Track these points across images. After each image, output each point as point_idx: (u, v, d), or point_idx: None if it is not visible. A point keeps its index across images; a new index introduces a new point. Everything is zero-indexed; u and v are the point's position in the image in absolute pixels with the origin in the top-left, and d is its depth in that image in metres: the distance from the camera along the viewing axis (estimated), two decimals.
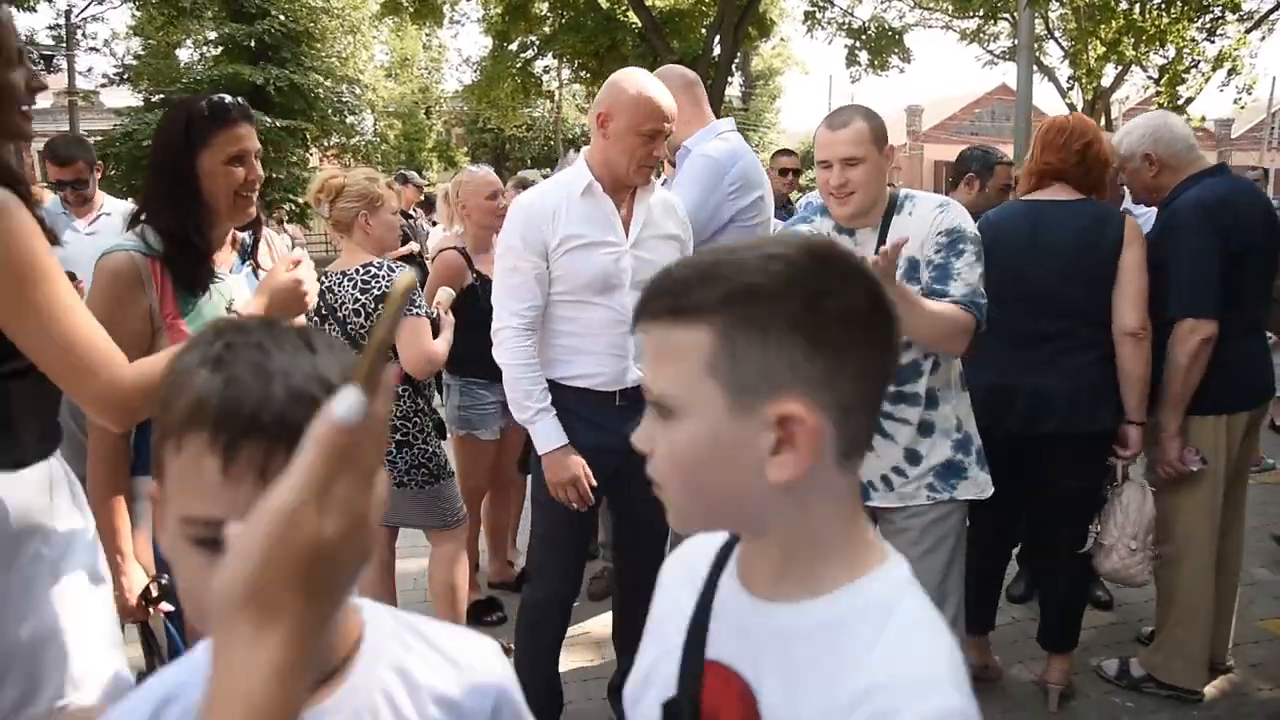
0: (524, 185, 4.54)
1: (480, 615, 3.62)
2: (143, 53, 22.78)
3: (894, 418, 2.32)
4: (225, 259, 2.07)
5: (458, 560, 3.11)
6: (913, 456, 2.32)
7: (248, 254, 2.15)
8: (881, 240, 2.28)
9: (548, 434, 2.39)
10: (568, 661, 3.26)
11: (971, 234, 2.25)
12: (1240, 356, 2.76)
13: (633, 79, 2.38)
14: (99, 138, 17.05)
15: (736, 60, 19.01)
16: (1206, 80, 14.40)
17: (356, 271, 2.82)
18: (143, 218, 1.96)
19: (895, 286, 2.05)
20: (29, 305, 1.43)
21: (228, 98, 1.98)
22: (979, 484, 2.37)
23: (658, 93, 2.35)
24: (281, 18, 19.81)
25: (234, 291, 2.05)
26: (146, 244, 1.91)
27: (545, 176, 5.11)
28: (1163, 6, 12.46)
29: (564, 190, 2.40)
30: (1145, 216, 3.21)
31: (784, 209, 5.17)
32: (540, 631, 2.59)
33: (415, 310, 2.79)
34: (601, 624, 3.49)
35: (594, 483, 2.40)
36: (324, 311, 2.84)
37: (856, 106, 2.33)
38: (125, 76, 22.31)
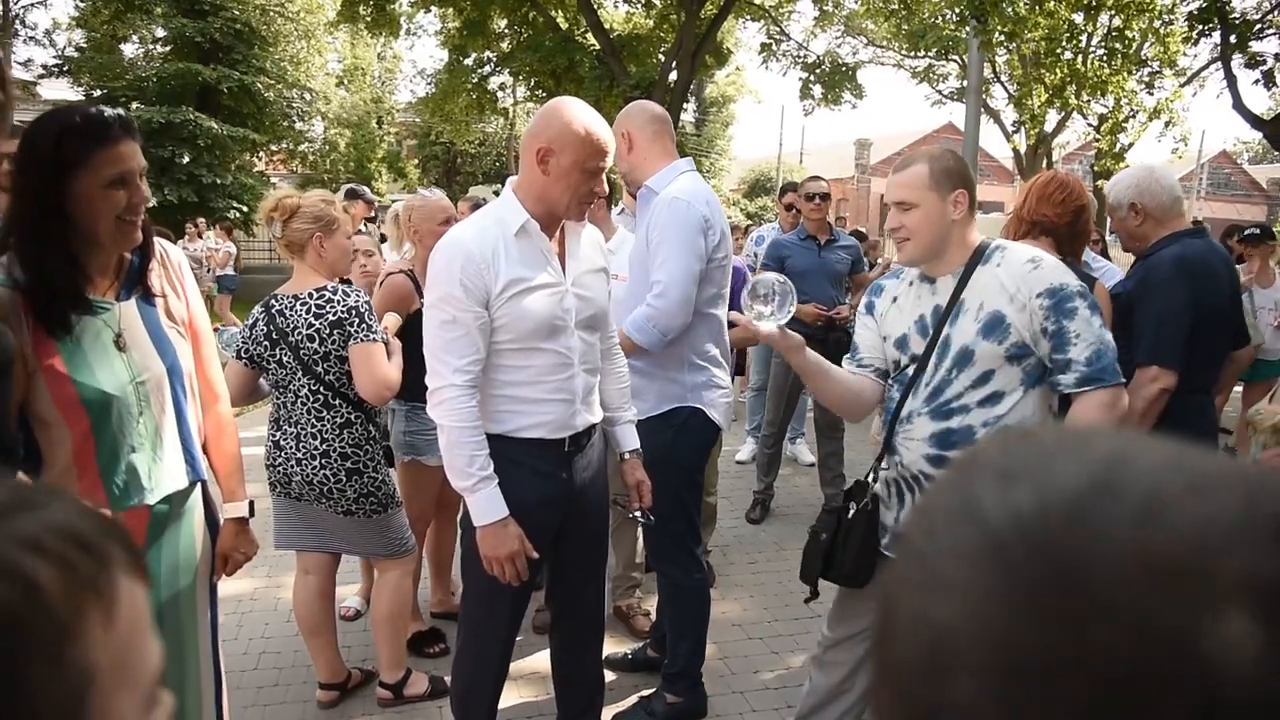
0: (478, 207, 4.36)
1: (423, 647, 3.54)
2: (85, 45, 22.13)
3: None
4: (109, 286, 1.89)
5: (402, 589, 3.05)
6: None
7: (135, 279, 1.95)
8: (960, 289, 2.18)
9: (489, 505, 2.21)
10: (512, 698, 3.19)
11: (1076, 288, 2.09)
12: (1188, 413, 2.81)
13: (576, 114, 2.23)
14: None
15: (691, 87, 19.20)
16: (1144, 129, 14.92)
17: (310, 295, 2.75)
18: (10, 245, 1.76)
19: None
20: None
21: (108, 110, 1.77)
22: None
23: (602, 128, 2.24)
24: (235, 11, 19.37)
25: (123, 322, 1.88)
26: (12, 277, 1.74)
27: (497, 194, 5.01)
28: (1104, 58, 12.88)
29: (499, 229, 2.22)
30: (1104, 271, 3.28)
31: (813, 239, 5.10)
32: (480, 682, 2.49)
33: (370, 336, 2.72)
34: (544, 658, 3.42)
35: (534, 554, 2.27)
36: (275, 336, 2.76)
37: (928, 149, 2.24)
38: (65, 69, 21.63)
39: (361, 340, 2.70)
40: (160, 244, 2.04)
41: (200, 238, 13.95)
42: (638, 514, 2.62)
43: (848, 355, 2.46)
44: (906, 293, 2.34)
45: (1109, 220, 3.08)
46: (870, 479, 2.35)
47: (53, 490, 0.52)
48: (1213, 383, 2.96)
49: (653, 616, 3.72)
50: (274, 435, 2.86)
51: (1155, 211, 2.91)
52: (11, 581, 0.44)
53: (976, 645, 0.31)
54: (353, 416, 2.79)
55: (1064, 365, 2.09)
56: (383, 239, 7.12)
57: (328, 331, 2.70)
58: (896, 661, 0.34)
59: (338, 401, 2.77)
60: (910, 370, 2.25)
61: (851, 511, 2.30)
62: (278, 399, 2.86)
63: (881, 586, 0.39)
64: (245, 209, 18.96)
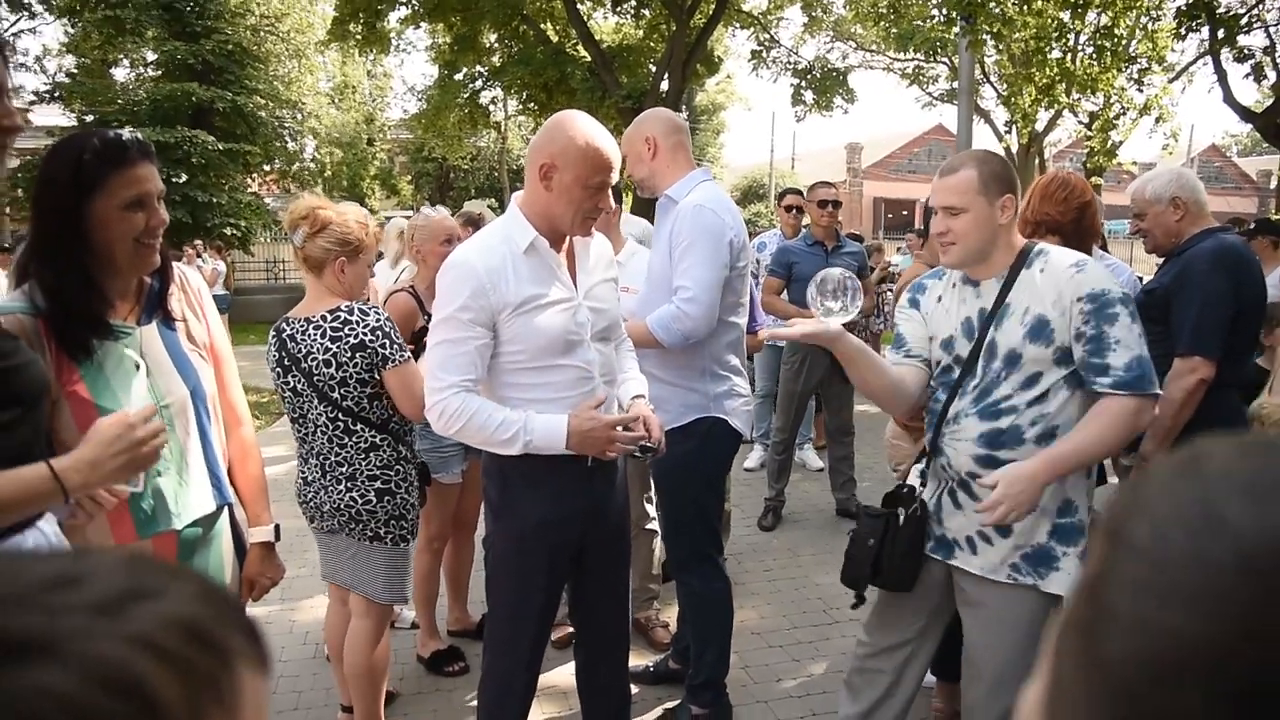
0: (473, 222, 4.25)
1: (442, 665, 3.52)
2: (76, 70, 22.12)
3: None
4: (129, 310, 1.89)
5: (375, 640, 2.83)
6: (1001, 527, 2.14)
7: (155, 303, 1.95)
8: (1004, 293, 2.18)
9: (551, 436, 2.17)
10: (536, 715, 3.17)
11: (1118, 294, 2.08)
12: (1220, 408, 2.81)
13: (579, 127, 2.20)
14: (27, 156, 16.38)
15: (683, 96, 19.26)
16: (1135, 126, 14.98)
17: (323, 318, 2.58)
18: (31, 270, 1.76)
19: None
20: None
21: (125, 134, 1.80)
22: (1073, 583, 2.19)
23: (606, 142, 2.21)
24: (227, 32, 19.39)
25: (144, 346, 1.88)
26: (34, 304, 1.74)
27: (492, 208, 4.96)
28: (1093, 56, 12.94)
29: (507, 247, 2.21)
30: (1114, 267, 3.29)
31: (821, 245, 5.12)
32: (506, 701, 2.46)
33: (403, 355, 2.59)
34: (568, 673, 3.41)
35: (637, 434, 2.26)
36: (286, 363, 2.61)
37: (975, 152, 2.23)
38: (56, 94, 21.59)
39: (396, 363, 2.57)
40: (179, 268, 2.05)
41: (200, 258, 13.91)
42: (644, 446, 2.34)
43: (892, 347, 2.45)
44: (950, 294, 2.34)
45: (1134, 219, 3.08)
46: (920, 484, 2.35)
47: (172, 570, 0.47)
48: (1243, 378, 2.97)
49: (672, 628, 3.70)
50: (302, 470, 2.73)
51: (1193, 206, 2.96)
52: (127, 694, 0.38)
53: (1218, 660, 0.31)
54: (378, 439, 2.65)
55: (1101, 369, 2.08)
56: (379, 255, 7.05)
57: (347, 355, 2.54)
58: (1113, 659, 0.35)
59: (359, 427, 2.62)
60: (956, 372, 2.26)
61: (902, 518, 2.30)
62: (297, 431, 2.72)
63: (1089, 581, 0.40)
64: (241, 228, 18.93)
